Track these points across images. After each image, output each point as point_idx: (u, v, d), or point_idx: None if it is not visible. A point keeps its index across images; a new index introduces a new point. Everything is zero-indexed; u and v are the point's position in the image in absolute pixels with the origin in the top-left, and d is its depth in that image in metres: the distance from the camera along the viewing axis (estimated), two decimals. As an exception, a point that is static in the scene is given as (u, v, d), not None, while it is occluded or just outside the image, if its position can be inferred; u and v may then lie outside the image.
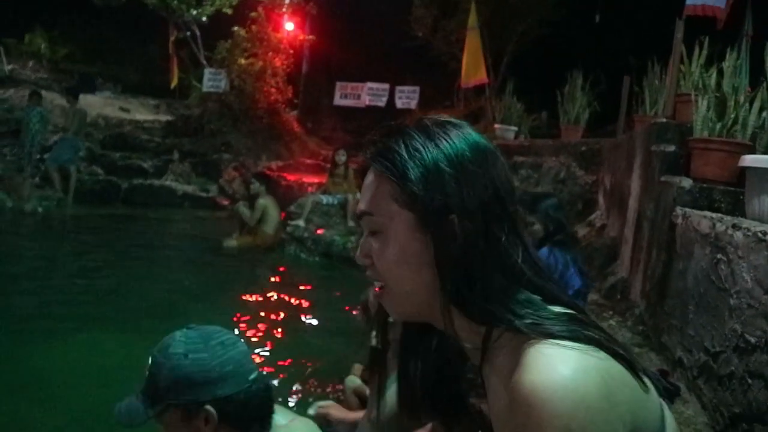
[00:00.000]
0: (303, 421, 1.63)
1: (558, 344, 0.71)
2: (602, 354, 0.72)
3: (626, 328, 3.86)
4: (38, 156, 10.13)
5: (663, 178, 3.76)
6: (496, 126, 9.73)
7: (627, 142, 5.50)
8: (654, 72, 5.65)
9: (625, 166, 5.33)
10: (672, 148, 3.96)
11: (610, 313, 4.21)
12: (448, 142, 0.81)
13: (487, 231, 0.78)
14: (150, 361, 1.40)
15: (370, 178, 0.84)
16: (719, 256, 2.52)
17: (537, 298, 0.78)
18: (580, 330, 0.73)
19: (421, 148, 0.80)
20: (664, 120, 4.38)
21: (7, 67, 14.04)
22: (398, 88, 11.62)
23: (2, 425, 3.24)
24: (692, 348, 2.73)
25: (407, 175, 0.78)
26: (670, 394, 2.69)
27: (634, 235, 4.45)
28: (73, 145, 10.14)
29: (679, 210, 3.25)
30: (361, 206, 0.84)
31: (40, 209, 9.34)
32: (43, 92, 12.17)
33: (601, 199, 6.66)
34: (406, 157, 0.79)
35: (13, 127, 11.17)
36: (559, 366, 0.69)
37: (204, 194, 11.03)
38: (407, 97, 11.41)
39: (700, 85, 4.06)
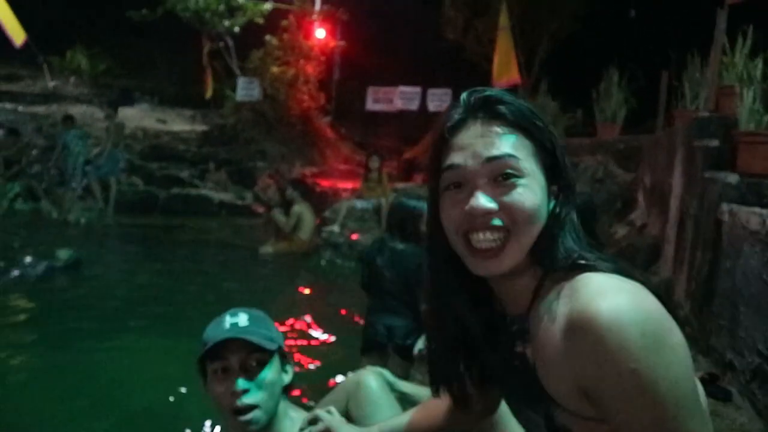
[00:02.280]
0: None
1: (608, 276, 0.82)
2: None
3: (672, 330, 3.73)
4: (81, 171, 10.41)
5: (707, 174, 3.62)
6: (531, 126, 9.59)
7: (667, 138, 5.35)
8: (694, 65, 5.46)
9: (665, 163, 5.18)
10: (715, 142, 3.82)
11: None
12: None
13: (571, 194, 0.94)
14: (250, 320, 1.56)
15: (499, 130, 0.89)
16: (771, 253, 2.39)
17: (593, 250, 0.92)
18: (629, 273, 0.84)
19: (546, 122, 0.94)
20: (707, 114, 4.24)
21: (51, 84, 14.49)
22: (430, 91, 11.58)
23: (56, 427, 3.32)
24: (744, 350, 2.60)
25: (551, 142, 0.92)
26: (720, 399, 2.53)
27: (677, 233, 4.31)
28: (113, 157, 10.39)
29: (725, 206, 3.12)
30: (502, 149, 0.87)
31: (82, 220, 9.58)
32: (84, 107, 12.58)
33: (640, 198, 6.49)
34: (547, 127, 0.93)
35: (58, 142, 11.52)
36: (616, 287, 0.79)
37: (240, 202, 11.15)
38: (439, 100, 11.35)
39: (745, 76, 3.92)
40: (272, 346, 1.54)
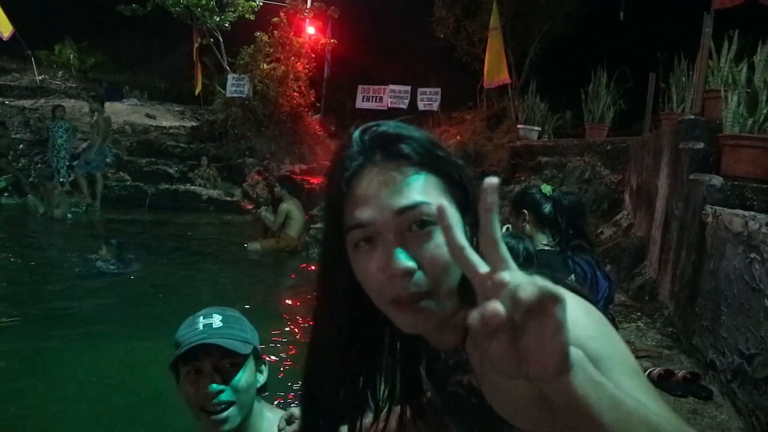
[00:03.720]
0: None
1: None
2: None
3: (655, 329, 3.77)
4: (67, 164, 10.35)
5: (692, 176, 3.67)
6: (519, 126, 9.64)
7: (654, 140, 5.40)
8: (681, 68, 5.53)
9: (652, 165, 5.23)
10: (701, 145, 3.87)
11: (638, 314, 4.12)
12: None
13: None
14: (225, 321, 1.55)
15: (402, 174, 0.80)
16: (753, 255, 2.43)
17: None
18: (568, 286, 0.78)
19: (449, 152, 0.87)
20: (693, 117, 4.29)
21: (38, 78, 14.36)
22: (420, 89, 11.61)
23: (43, 425, 3.31)
24: (725, 350, 2.65)
25: (459, 173, 0.85)
26: (702, 397, 2.56)
27: (663, 234, 4.36)
28: (100, 152, 10.32)
29: (709, 209, 3.17)
30: (412, 197, 0.78)
31: (69, 215, 9.50)
32: (72, 101, 12.48)
33: (627, 199, 6.55)
34: (453, 159, 0.86)
35: (44, 136, 11.46)
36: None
37: (229, 198, 11.11)
38: (429, 99, 11.39)
39: (730, 80, 3.97)
40: (246, 349, 1.52)
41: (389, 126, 0.85)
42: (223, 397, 1.46)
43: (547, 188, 2.80)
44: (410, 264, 0.77)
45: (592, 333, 0.73)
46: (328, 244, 0.87)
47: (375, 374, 0.97)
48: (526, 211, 2.72)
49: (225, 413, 1.46)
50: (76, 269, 6.38)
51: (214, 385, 1.46)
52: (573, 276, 2.48)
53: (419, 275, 0.77)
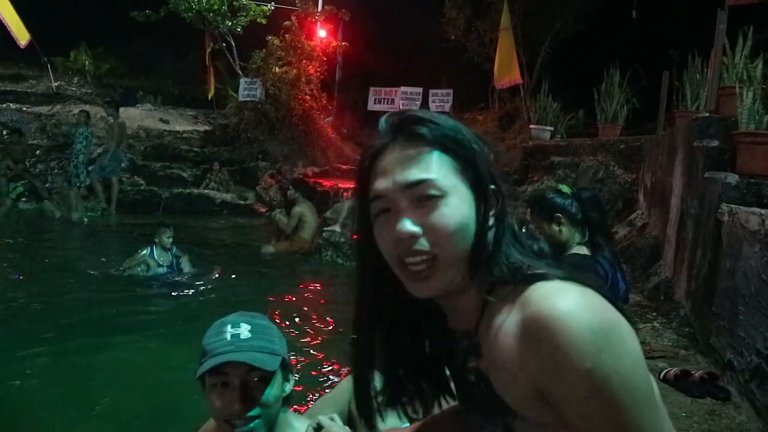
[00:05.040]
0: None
1: (560, 282, 0.83)
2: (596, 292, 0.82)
3: (671, 329, 3.73)
4: (84, 170, 10.47)
5: (707, 175, 3.62)
6: (532, 126, 9.60)
7: (668, 138, 5.35)
8: (695, 65, 5.47)
9: (666, 164, 5.18)
10: (716, 143, 3.83)
11: (654, 314, 4.08)
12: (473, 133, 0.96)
13: (505, 205, 0.94)
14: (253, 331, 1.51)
15: (416, 151, 0.89)
16: (770, 253, 2.40)
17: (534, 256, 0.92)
18: (576, 277, 0.84)
19: (472, 134, 0.94)
20: (707, 114, 4.24)
21: (54, 84, 14.52)
22: (432, 91, 11.58)
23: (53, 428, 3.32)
24: (743, 350, 2.61)
25: (472, 153, 0.91)
26: (720, 398, 2.52)
27: (678, 233, 4.31)
28: (116, 157, 10.41)
29: (725, 207, 3.13)
30: (419, 173, 0.87)
31: (85, 219, 9.60)
32: (87, 107, 12.58)
33: (641, 198, 6.49)
34: (467, 139, 0.92)
35: (61, 141, 11.59)
36: (567, 290, 0.80)
37: (242, 202, 11.16)
38: (441, 101, 11.36)
39: (745, 77, 3.92)
40: (275, 365, 1.48)
41: (414, 112, 0.95)
42: (250, 413, 1.43)
43: (565, 188, 2.78)
44: (414, 228, 0.85)
45: (591, 364, 0.73)
46: (357, 218, 0.97)
47: (409, 352, 1.03)
48: (560, 215, 2.69)
49: (250, 425, 1.43)
50: (97, 271, 6.44)
51: (240, 400, 1.42)
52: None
53: (424, 240, 0.86)
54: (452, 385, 1.05)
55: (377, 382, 1.03)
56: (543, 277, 0.84)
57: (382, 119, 0.95)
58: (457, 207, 0.87)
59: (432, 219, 0.86)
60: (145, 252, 6.29)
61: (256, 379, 1.45)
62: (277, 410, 1.50)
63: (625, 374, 0.74)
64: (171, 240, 6.38)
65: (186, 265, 6.44)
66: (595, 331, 0.74)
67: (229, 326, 1.51)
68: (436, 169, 0.88)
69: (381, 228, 0.90)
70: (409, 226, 0.86)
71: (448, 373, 1.04)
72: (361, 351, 1.03)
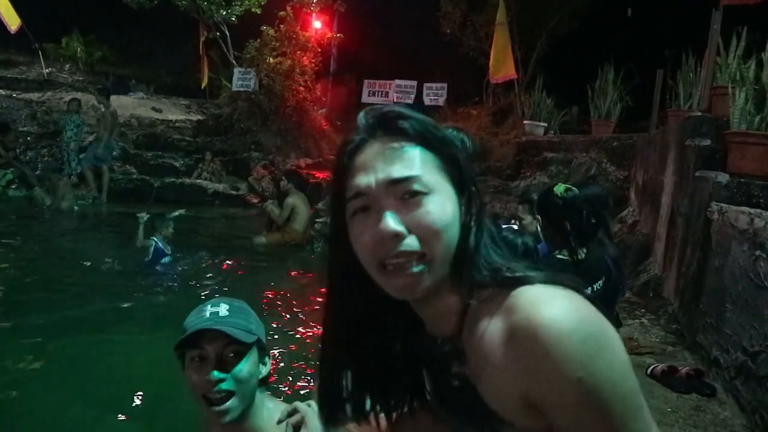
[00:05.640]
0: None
1: (544, 286, 0.80)
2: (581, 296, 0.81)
3: (659, 326, 3.77)
4: (75, 158, 10.40)
5: (698, 173, 3.66)
6: (525, 122, 9.62)
7: (660, 136, 5.38)
8: (688, 65, 5.50)
9: (658, 162, 5.22)
10: (707, 142, 3.86)
11: (643, 310, 4.12)
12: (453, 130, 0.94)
13: (483, 205, 0.91)
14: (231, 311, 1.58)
15: (399, 146, 0.86)
16: (758, 252, 2.43)
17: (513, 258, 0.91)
18: (559, 279, 0.82)
19: (450, 132, 0.92)
20: (699, 114, 4.28)
21: (45, 71, 14.39)
22: (426, 84, 11.57)
23: (54, 421, 3.32)
24: (729, 347, 2.65)
25: (456, 151, 0.90)
26: (705, 394, 2.55)
27: (668, 231, 4.35)
28: (107, 145, 10.35)
29: (715, 206, 3.16)
30: (404, 169, 0.84)
31: (76, 207, 9.55)
32: (79, 94, 12.49)
33: (632, 195, 6.53)
34: (450, 137, 0.90)
35: (51, 129, 11.50)
36: (553, 297, 0.78)
37: (234, 192, 11.13)
38: (435, 94, 11.36)
39: (738, 77, 3.95)
40: (250, 339, 1.54)
41: (391, 106, 0.91)
42: (224, 386, 1.49)
43: (560, 188, 2.74)
44: (399, 227, 0.82)
45: (577, 374, 0.72)
46: (332, 218, 0.92)
47: (380, 356, 0.99)
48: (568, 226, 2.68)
49: (226, 404, 1.49)
50: (87, 261, 6.42)
51: (215, 372, 1.49)
52: (601, 282, 2.45)
53: (409, 239, 0.82)
54: (426, 390, 1.01)
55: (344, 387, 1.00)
56: (525, 281, 0.82)
57: (361, 114, 0.91)
58: (443, 205, 0.84)
59: (418, 217, 0.82)
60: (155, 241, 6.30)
61: (231, 354, 1.52)
62: (252, 388, 1.56)
63: (615, 381, 0.74)
64: (172, 232, 6.40)
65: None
66: (584, 339, 0.73)
67: (209, 306, 1.59)
68: (420, 165, 0.85)
69: (359, 228, 0.86)
70: (393, 224, 0.81)
71: (421, 379, 1.01)
72: (330, 356, 1.00)
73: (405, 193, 0.83)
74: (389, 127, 0.87)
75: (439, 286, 0.86)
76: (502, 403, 0.81)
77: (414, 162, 0.85)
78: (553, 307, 0.76)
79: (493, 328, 0.81)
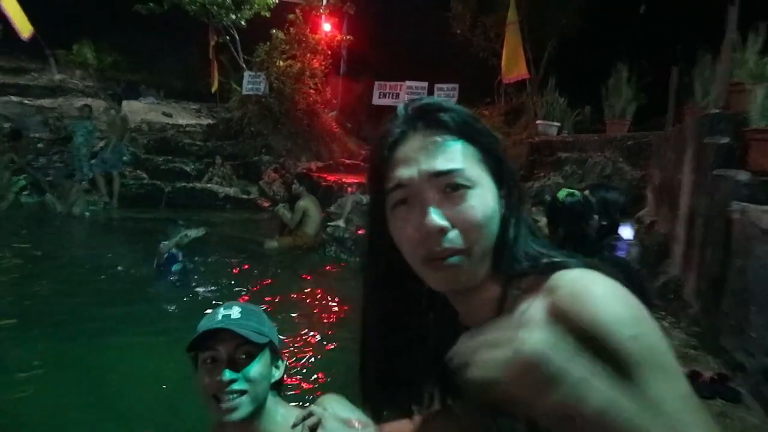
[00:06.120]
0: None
1: (585, 270, 0.80)
2: None
3: (680, 329, 3.70)
4: (86, 164, 10.47)
5: (717, 172, 3.59)
6: (538, 122, 9.55)
7: (677, 134, 5.30)
8: (705, 61, 5.42)
9: (675, 160, 5.14)
10: (726, 139, 3.79)
11: (662, 313, 4.05)
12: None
13: (521, 197, 0.92)
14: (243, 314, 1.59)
15: (441, 139, 0.86)
16: (784, 253, 2.36)
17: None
18: (599, 266, 0.81)
19: (486, 126, 0.92)
20: (717, 111, 4.20)
21: (57, 77, 14.52)
22: (437, 85, 11.54)
23: (55, 424, 3.32)
24: (755, 351, 2.58)
25: (495, 143, 0.90)
26: (730, 399, 2.48)
27: (687, 231, 4.27)
28: (117, 150, 10.42)
29: (735, 205, 3.09)
30: (447, 162, 0.84)
31: (87, 213, 9.62)
32: (90, 100, 12.58)
33: (649, 195, 6.45)
34: (488, 131, 0.91)
35: (63, 135, 11.58)
36: (595, 275, 0.78)
37: (245, 196, 11.15)
38: (446, 95, 11.30)
39: (756, 73, 3.87)
40: (262, 340, 1.56)
41: (432, 99, 0.92)
42: (236, 386, 1.50)
43: (562, 193, 2.71)
44: (443, 222, 0.82)
45: (631, 332, 0.70)
46: (371, 212, 0.94)
47: (416, 348, 1.00)
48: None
49: (235, 401, 1.50)
50: (98, 267, 6.44)
51: (227, 372, 1.50)
52: None
53: (453, 234, 0.83)
54: (455, 385, 0.98)
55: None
56: (564, 265, 0.82)
57: (401, 106, 0.92)
58: (485, 199, 0.85)
59: (462, 211, 0.83)
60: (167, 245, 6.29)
61: (243, 356, 1.53)
62: (263, 390, 1.56)
63: (664, 344, 0.73)
64: (188, 241, 6.38)
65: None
66: (631, 305, 0.73)
67: (221, 309, 1.61)
68: (462, 158, 0.85)
69: (400, 222, 0.87)
70: (437, 219, 0.82)
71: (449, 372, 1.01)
72: (371, 347, 1.01)
73: (447, 186, 0.84)
74: (430, 120, 0.88)
75: (483, 277, 0.86)
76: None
77: (456, 155, 0.85)
78: (595, 281, 0.76)
79: (533, 310, 0.80)
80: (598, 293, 0.74)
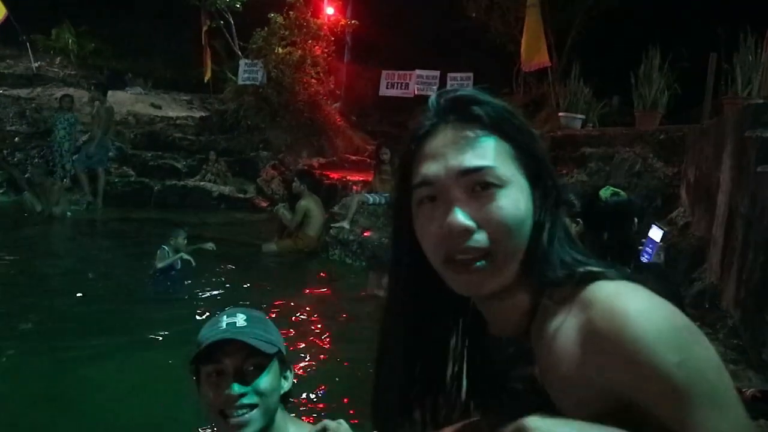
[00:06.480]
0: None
1: (625, 283, 0.81)
2: None
3: (717, 341, 3.69)
4: (68, 160, 10.52)
5: (760, 168, 3.58)
6: (561, 114, 9.54)
7: (715, 128, 5.30)
8: (747, 46, 5.41)
9: (712, 156, 5.13)
10: (770, 133, 3.78)
11: (698, 323, 4.03)
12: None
13: (560, 199, 0.92)
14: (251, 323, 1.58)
15: (473, 134, 0.87)
16: (834, 257, 2.36)
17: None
18: (640, 279, 0.82)
19: (524, 121, 0.93)
20: (761, 101, 4.19)
21: (35, 65, 14.59)
22: (450, 75, 11.55)
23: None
24: (801, 365, 2.57)
25: (533, 141, 0.91)
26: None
27: (725, 234, 4.27)
28: (102, 145, 10.46)
29: (781, 204, 3.09)
30: (478, 159, 0.85)
31: (69, 213, 9.66)
32: (71, 90, 12.65)
33: (683, 194, 6.44)
34: (526, 127, 0.92)
35: (42, 128, 11.65)
36: (635, 289, 0.79)
37: (241, 195, 11.19)
38: (460, 85, 11.27)
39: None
40: (271, 350, 1.55)
41: (466, 90, 0.92)
42: (246, 400, 1.49)
43: (606, 192, 2.69)
44: (469, 222, 0.83)
45: (677, 357, 0.71)
46: (396, 206, 0.94)
47: (442, 352, 1.01)
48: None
49: (245, 416, 1.49)
50: (83, 271, 6.48)
51: (236, 386, 1.48)
52: None
53: (478, 235, 0.84)
54: (477, 395, 1.02)
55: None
56: (602, 276, 0.82)
57: (432, 97, 0.93)
58: (517, 200, 0.85)
59: (489, 212, 0.83)
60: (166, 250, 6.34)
61: (251, 367, 1.52)
62: (274, 403, 1.56)
63: (716, 369, 0.73)
64: (186, 243, 6.44)
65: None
66: (677, 326, 0.74)
67: (225, 317, 1.59)
68: (495, 155, 0.86)
69: (425, 219, 0.88)
70: (462, 219, 0.83)
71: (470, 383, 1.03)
72: (390, 355, 1.02)
73: (476, 185, 0.84)
74: (462, 113, 0.88)
75: (509, 285, 0.87)
76: (577, 404, 0.80)
77: (488, 151, 0.86)
78: (635, 298, 0.77)
79: (568, 324, 0.81)
80: (639, 311, 0.74)
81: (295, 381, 1.71)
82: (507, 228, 0.84)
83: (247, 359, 1.51)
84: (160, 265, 6.17)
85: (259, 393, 1.51)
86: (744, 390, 2.78)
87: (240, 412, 1.48)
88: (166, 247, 6.30)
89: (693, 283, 4.81)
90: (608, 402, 0.76)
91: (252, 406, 1.50)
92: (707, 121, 6.27)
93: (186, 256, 6.33)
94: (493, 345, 0.95)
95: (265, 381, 1.52)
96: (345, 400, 3.88)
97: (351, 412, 3.69)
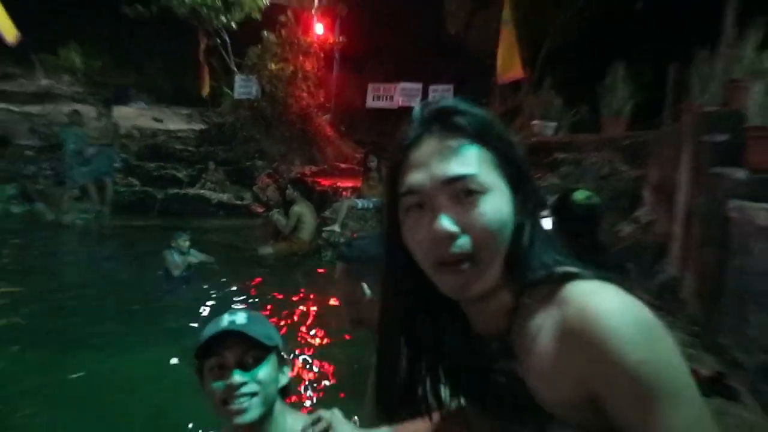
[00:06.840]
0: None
1: (597, 282, 0.82)
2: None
3: (678, 328, 3.74)
4: (77, 172, 10.47)
5: (714, 170, 3.63)
6: (534, 122, 9.58)
7: (674, 133, 5.35)
8: (702, 58, 5.46)
9: (672, 159, 5.18)
10: (724, 137, 3.83)
11: (660, 312, 4.08)
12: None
13: (538, 203, 0.92)
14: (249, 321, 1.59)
15: (456, 143, 0.86)
16: (779, 250, 2.41)
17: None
18: (612, 277, 0.83)
19: (504, 130, 0.92)
20: (715, 108, 4.24)
21: (44, 82, 14.49)
22: (432, 87, 11.55)
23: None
24: (752, 349, 2.62)
25: (512, 150, 0.90)
26: (728, 397, 2.53)
27: (684, 230, 4.32)
28: (108, 157, 10.43)
29: (733, 203, 3.14)
30: (461, 167, 0.84)
31: (78, 222, 9.61)
32: (79, 105, 12.59)
33: (647, 195, 6.50)
34: (506, 135, 0.91)
35: (52, 142, 11.58)
36: (606, 289, 0.79)
37: (239, 202, 11.16)
38: (441, 96, 11.33)
39: (755, 70, 3.92)
40: (270, 342, 1.58)
41: (449, 101, 0.92)
42: (246, 389, 1.51)
43: (581, 194, 2.64)
44: (453, 228, 0.83)
45: (640, 356, 0.73)
46: (386, 213, 0.94)
47: (434, 349, 1.02)
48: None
49: (246, 403, 1.50)
50: (90, 275, 6.45)
51: (237, 372, 1.51)
52: None
53: (463, 240, 0.84)
54: (465, 392, 1.04)
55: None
56: (578, 276, 0.83)
57: (416, 108, 0.93)
58: (499, 205, 0.85)
59: (473, 218, 0.83)
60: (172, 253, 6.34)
61: (251, 359, 1.54)
62: (272, 394, 1.57)
63: (676, 366, 0.75)
64: (188, 245, 6.42)
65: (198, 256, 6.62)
66: (642, 325, 0.75)
67: (226, 315, 1.62)
68: (477, 163, 0.85)
69: (413, 226, 0.88)
70: (447, 225, 0.83)
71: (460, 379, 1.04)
72: (387, 351, 1.03)
73: (461, 192, 0.84)
74: (446, 123, 0.88)
75: (493, 287, 0.87)
76: (554, 396, 0.81)
77: (470, 160, 0.86)
78: (607, 297, 0.78)
79: (545, 321, 0.82)
80: (608, 310, 0.75)
81: (294, 377, 1.72)
82: (490, 232, 0.84)
83: (247, 352, 1.54)
84: (176, 273, 6.22)
85: (258, 382, 1.53)
86: (701, 371, 2.83)
87: (241, 399, 1.50)
88: (171, 250, 6.29)
89: (656, 275, 4.85)
90: (582, 395, 0.78)
91: (252, 395, 1.51)
92: (667, 127, 6.33)
93: (193, 258, 6.33)
94: (479, 342, 0.95)
95: (264, 371, 1.55)
96: (338, 393, 3.88)
97: (345, 406, 3.70)
